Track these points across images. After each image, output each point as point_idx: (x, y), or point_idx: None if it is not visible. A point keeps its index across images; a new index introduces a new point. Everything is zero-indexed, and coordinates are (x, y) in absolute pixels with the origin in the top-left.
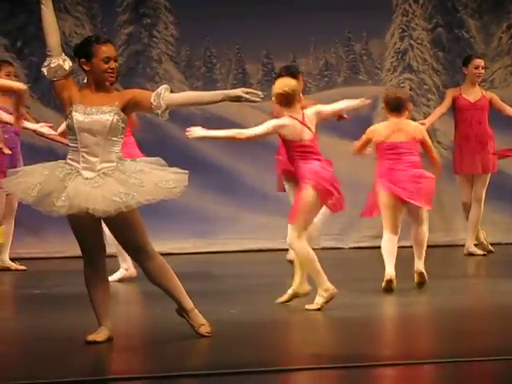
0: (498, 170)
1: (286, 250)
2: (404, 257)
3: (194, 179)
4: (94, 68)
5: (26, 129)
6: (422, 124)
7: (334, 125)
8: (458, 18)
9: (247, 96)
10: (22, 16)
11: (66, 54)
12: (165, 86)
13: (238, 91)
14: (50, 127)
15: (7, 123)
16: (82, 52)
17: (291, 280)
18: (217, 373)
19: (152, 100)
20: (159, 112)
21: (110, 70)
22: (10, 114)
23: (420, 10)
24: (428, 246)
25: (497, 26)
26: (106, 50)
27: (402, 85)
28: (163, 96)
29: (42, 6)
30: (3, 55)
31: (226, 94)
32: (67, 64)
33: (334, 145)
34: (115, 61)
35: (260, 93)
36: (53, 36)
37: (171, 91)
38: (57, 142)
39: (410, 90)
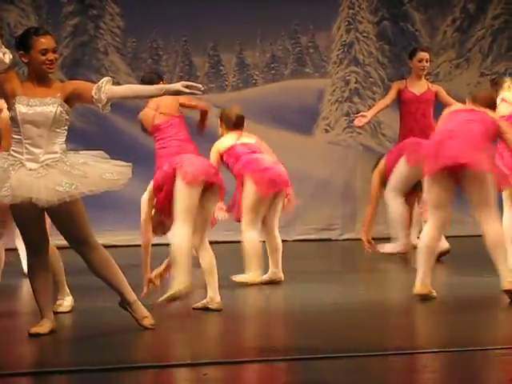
0: None
1: (232, 242)
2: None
3: (140, 171)
4: (33, 60)
5: None
6: (363, 116)
7: (278, 117)
8: (403, 12)
9: (187, 90)
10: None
11: (11, 46)
12: (106, 78)
13: (178, 85)
14: None
15: None
16: (20, 44)
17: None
18: (160, 365)
19: (93, 93)
20: (100, 105)
21: (47, 62)
22: None
23: (366, 3)
24: (373, 239)
25: (442, 20)
26: (44, 41)
27: (347, 77)
28: (104, 89)
29: None
30: None
31: (167, 88)
32: (7, 57)
33: (280, 137)
34: (54, 52)
35: (200, 86)
36: None
37: (117, 83)
38: None
39: (356, 82)
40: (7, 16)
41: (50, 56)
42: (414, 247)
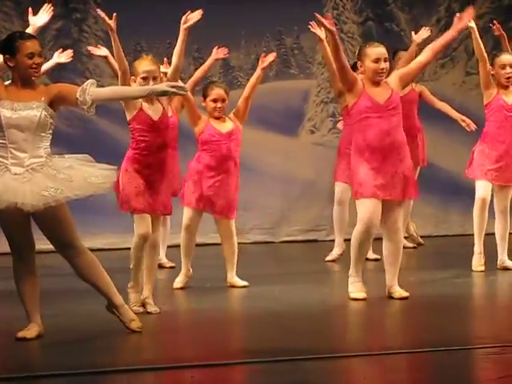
0: (428, 163)
1: (217, 244)
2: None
3: None
4: (19, 64)
5: None
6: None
7: (263, 118)
8: (388, 11)
9: (173, 90)
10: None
11: None
12: (91, 80)
13: (163, 86)
14: None
15: None
16: (6, 48)
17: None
18: (148, 368)
19: (77, 95)
20: (85, 107)
21: (34, 66)
22: None
23: (350, 4)
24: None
25: (426, 20)
26: (30, 45)
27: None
28: (89, 91)
29: None
30: None
31: (152, 88)
32: None
33: (265, 138)
34: (39, 56)
35: (185, 86)
36: None
37: (101, 86)
38: None
39: None
40: None
41: (37, 60)
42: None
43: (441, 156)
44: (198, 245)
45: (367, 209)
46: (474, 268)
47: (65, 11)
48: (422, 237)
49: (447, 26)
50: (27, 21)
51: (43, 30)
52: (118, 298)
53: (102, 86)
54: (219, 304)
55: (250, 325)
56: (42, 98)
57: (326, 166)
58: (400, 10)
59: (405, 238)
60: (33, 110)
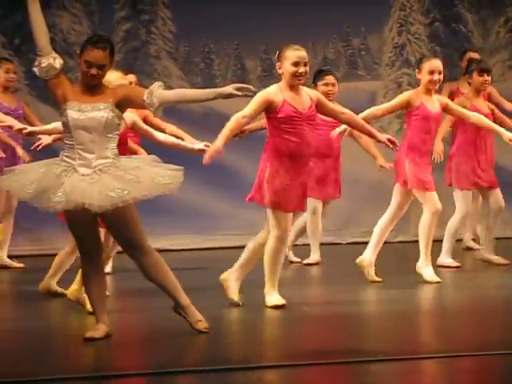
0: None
1: None
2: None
3: (193, 175)
4: (81, 66)
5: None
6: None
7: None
8: (455, 13)
9: (239, 92)
10: (19, 13)
11: (63, 51)
12: (158, 83)
13: (230, 88)
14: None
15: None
16: (81, 46)
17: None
18: (215, 369)
19: (145, 97)
20: (152, 109)
21: (89, 74)
22: (10, 112)
23: (417, 5)
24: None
25: (494, 20)
26: (92, 54)
27: (399, 79)
28: (156, 93)
29: (29, 5)
30: (1, 53)
31: (219, 92)
32: (58, 62)
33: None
34: (99, 68)
35: (252, 87)
36: (41, 35)
37: (169, 87)
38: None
39: (408, 84)
40: (60, 22)
41: (93, 70)
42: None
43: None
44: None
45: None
46: None
47: (133, 13)
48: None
49: None
50: (95, 22)
51: (112, 31)
52: (185, 299)
53: (170, 88)
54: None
55: (313, 326)
56: (110, 100)
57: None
58: (467, 10)
59: (472, 239)
60: (100, 111)
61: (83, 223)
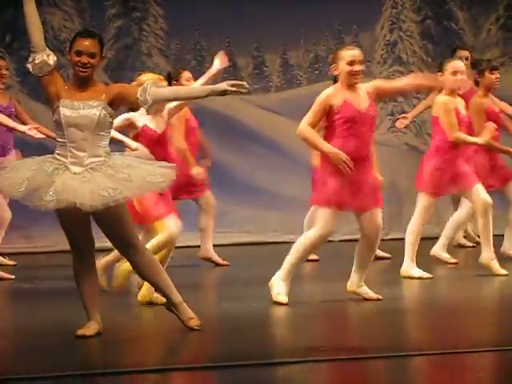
0: None
1: (275, 243)
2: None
3: None
4: (71, 60)
5: (15, 130)
6: (404, 118)
7: None
8: (446, 10)
9: (233, 89)
10: (10, 10)
11: (55, 48)
12: (151, 80)
13: (224, 85)
14: (37, 128)
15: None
16: (70, 43)
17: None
18: (206, 366)
19: (138, 95)
20: (145, 107)
21: (79, 64)
22: (2, 109)
23: (409, 2)
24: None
25: (485, 18)
26: (81, 43)
27: (391, 77)
28: (149, 91)
29: (25, 1)
30: None
31: (212, 88)
32: (52, 59)
33: None
34: (90, 56)
35: (246, 84)
36: (36, 32)
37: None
38: (49, 138)
39: None
40: (51, 19)
41: (84, 59)
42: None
43: None
44: (257, 243)
45: None
46: None
47: (124, 10)
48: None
49: (506, 25)
50: (86, 19)
51: (103, 29)
52: (177, 296)
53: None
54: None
55: (307, 323)
56: (103, 97)
57: (385, 165)
58: (459, 8)
59: (463, 237)
60: (92, 108)
61: (75, 222)
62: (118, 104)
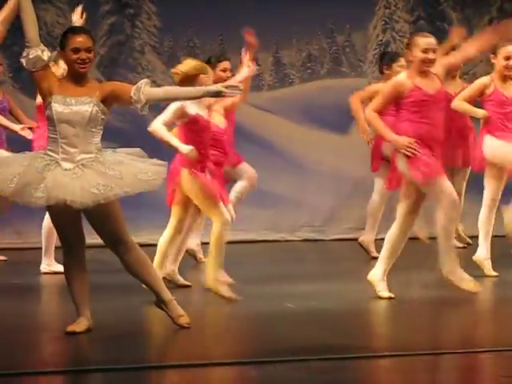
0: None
1: (265, 241)
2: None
3: None
4: (67, 58)
5: (8, 129)
6: None
7: (314, 116)
8: (439, 11)
9: (227, 90)
10: (2, 6)
11: (48, 44)
12: (145, 80)
13: (219, 86)
14: (30, 128)
15: None
16: (60, 42)
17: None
18: (195, 364)
19: (132, 94)
20: (139, 106)
21: (79, 61)
22: None
23: (402, 3)
24: (410, 239)
25: (479, 19)
26: (77, 40)
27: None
28: (143, 90)
29: None
30: None
31: (207, 89)
32: (46, 54)
33: (316, 136)
34: (87, 51)
35: (240, 85)
36: (31, 27)
37: (153, 82)
38: None
39: None
40: (44, 15)
41: (82, 55)
42: None
43: None
44: (249, 242)
45: None
46: None
47: (118, 7)
48: (470, 237)
49: None
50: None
51: (96, 25)
52: (167, 294)
53: (154, 82)
54: (266, 299)
55: (298, 322)
56: (96, 94)
57: None
58: (452, 9)
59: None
60: (84, 105)
61: (65, 218)
62: (111, 102)
